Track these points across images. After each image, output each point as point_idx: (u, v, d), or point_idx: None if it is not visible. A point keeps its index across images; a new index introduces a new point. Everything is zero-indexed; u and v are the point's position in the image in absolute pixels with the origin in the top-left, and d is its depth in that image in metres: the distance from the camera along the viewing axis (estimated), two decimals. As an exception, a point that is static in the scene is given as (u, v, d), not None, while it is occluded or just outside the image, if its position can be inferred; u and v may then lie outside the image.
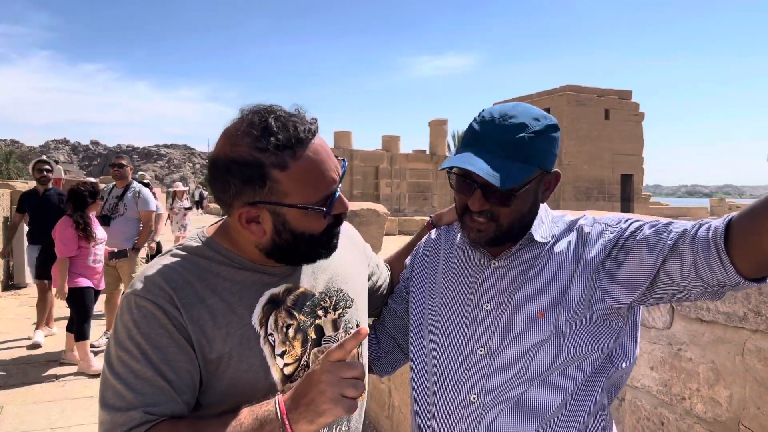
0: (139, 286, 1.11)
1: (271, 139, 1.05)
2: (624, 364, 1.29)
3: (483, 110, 1.23)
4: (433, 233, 1.54)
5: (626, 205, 30.32)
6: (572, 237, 1.29)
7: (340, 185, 1.15)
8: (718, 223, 1.05)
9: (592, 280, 1.21)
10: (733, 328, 1.79)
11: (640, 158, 31.78)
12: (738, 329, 1.77)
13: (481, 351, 1.25)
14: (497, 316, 1.25)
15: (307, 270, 1.26)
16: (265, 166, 1.06)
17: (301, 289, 1.23)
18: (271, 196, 1.08)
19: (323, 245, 1.18)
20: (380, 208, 7.27)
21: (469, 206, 1.22)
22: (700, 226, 1.08)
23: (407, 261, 1.58)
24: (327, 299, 1.27)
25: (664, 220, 1.17)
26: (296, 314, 1.21)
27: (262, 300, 1.17)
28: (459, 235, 1.41)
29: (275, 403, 1.03)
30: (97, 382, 5.21)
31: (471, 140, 1.20)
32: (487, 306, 1.27)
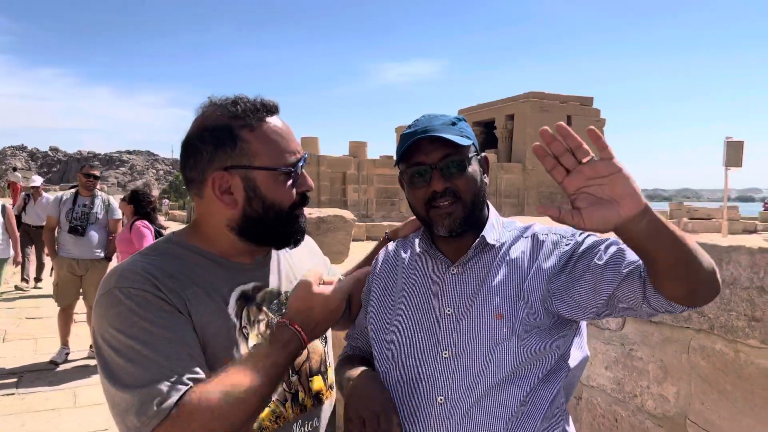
0: (120, 279, 1.10)
1: (239, 106, 1.17)
2: (577, 363, 1.37)
3: (411, 123, 1.39)
4: (391, 245, 1.60)
5: (589, 210, 30.91)
6: (527, 243, 1.37)
7: (302, 166, 1.24)
8: None
9: (547, 289, 1.29)
10: (679, 328, 1.89)
11: (601, 163, 32.39)
12: (683, 329, 1.88)
13: (446, 354, 1.30)
14: (459, 320, 1.31)
15: (273, 270, 1.31)
16: (235, 128, 1.16)
17: (268, 288, 1.28)
18: (242, 158, 1.16)
19: (290, 223, 1.23)
20: (347, 214, 7.29)
21: (434, 188, 1.30)
22: None
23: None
24: None
25: (615, 239, 1.23)
26: (265, 311, 1.25)
27: (235, 294, 1.21)
28: (417, 245, 1.47)
29: (289, 327, 1.14)
30: (58, 394, 5.12)
31: (415, 131, 1.33)
32: (449, 311, 1.33)
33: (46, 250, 8.55)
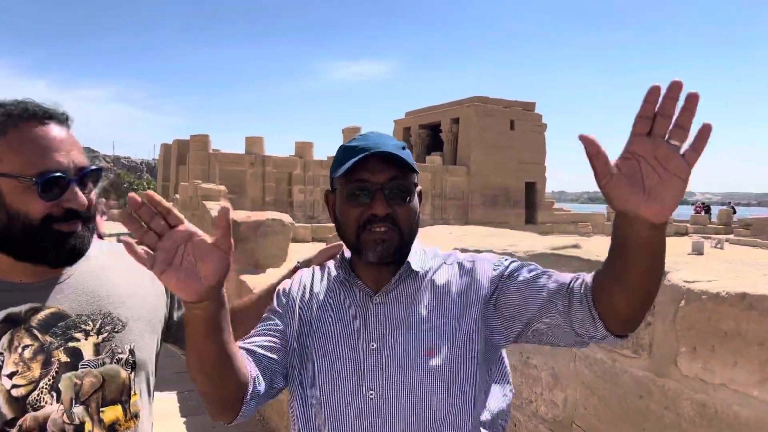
0: None
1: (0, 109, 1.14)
2: (506, 407, 1.31)
3: (355, 137, 1.31)
4: (304, 274, 1.45)
5: (530, 212, 31.75)
6: (452, 270, 1.32)
7: (73, 179, 1.16)
8: (589, 278, 1.11)
9: (479, 314, 1.25)
10: (567, 338, 2.03)
11: (543, 167, 33.37)
12: (571, 339, 2.01)
13: (372, 394, 1.21)
14: (385, 357, 1.22)
15: (63, 290, 1.23)
16: None
17: (51, 309, 1.20)
18: None
19: (44, 238, 1.15)
20: (286, 217, 7.26)
21: (374, 212, 1.21)
22: (576, 279, 1.14)
23: (275, 303, 1.42)
24: (89, 322, 1.23)
25: (542, 268, 1.24)
26: (39, 335, 1.17)
27: None
28: (334, 274, 1.38)
29: None
30: None
31: (365, 146, 1.23)
32: (373, 345, 1.24)
33: None
